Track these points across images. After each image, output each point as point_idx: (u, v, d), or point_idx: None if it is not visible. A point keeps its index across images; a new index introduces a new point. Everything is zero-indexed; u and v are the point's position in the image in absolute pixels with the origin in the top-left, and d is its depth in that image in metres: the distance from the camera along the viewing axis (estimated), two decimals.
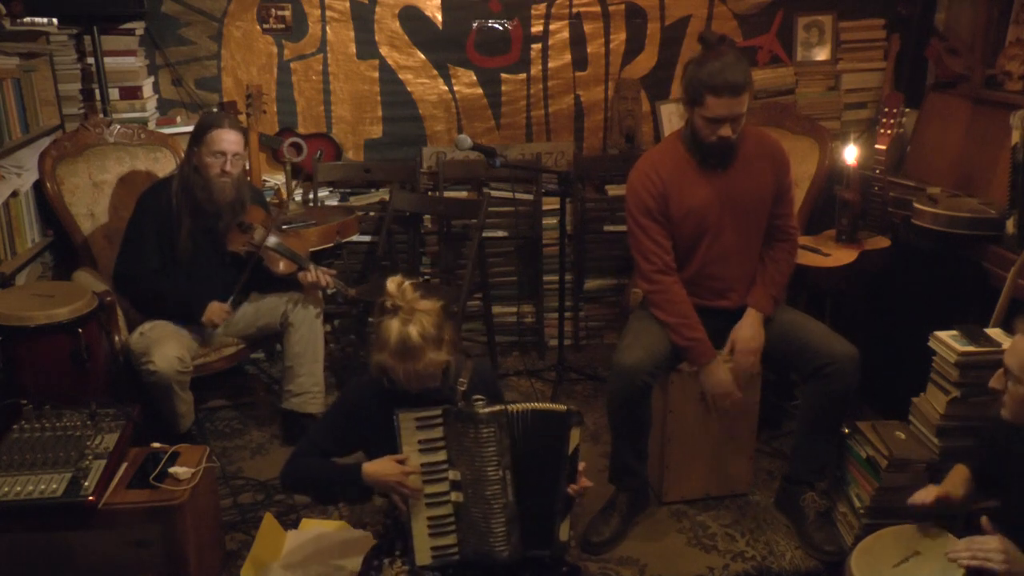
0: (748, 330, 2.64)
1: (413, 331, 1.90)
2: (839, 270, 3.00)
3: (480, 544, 2.00)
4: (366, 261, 3.90)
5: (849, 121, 3.97)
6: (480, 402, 1.99)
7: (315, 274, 3.01)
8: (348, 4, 3.75)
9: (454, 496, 2.00)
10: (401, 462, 1.99)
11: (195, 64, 3.75)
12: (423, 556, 2.00)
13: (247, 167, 3.52)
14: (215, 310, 2.93)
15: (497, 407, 1.98)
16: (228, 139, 2.90)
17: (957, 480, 2.10)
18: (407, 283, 1.97)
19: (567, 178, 3.40)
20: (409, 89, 3.88)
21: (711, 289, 2.68)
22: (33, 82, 3.22)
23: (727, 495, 2.83)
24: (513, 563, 2.02)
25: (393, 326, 1.92)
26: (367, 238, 3.85)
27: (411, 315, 1.92)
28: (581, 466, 2.06)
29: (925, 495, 2.06)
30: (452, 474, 1.99)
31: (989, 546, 1.80)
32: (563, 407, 2.03)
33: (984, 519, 1.90)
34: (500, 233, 3.93)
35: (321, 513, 2.69)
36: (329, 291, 3.11)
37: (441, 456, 1.99)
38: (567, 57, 3.92)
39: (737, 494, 2.84)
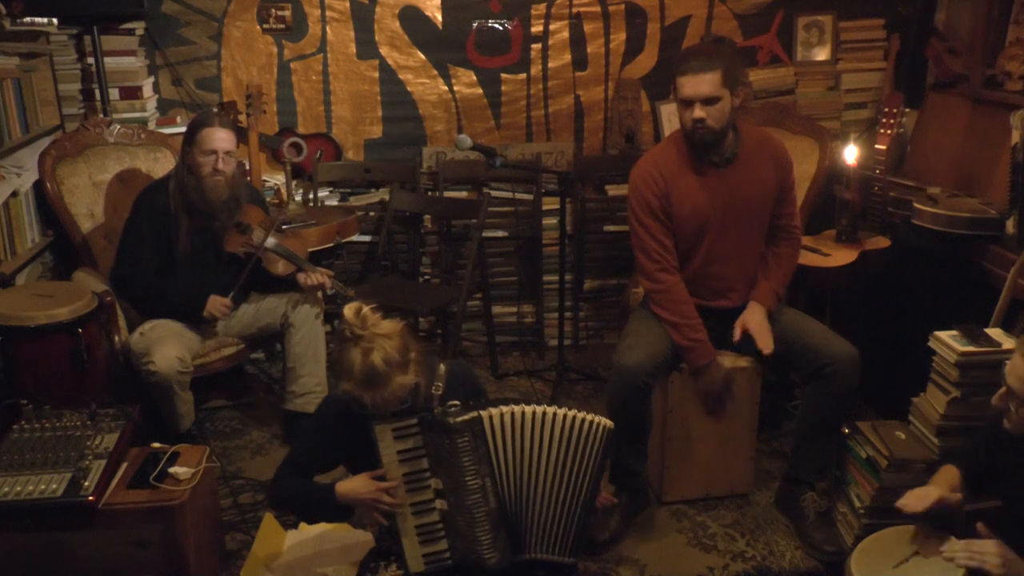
0: (755, 315, 2.64)
1: (377, 358, 1.83)
2: (839, 270, 3.00)
3: (468, 551, 1.98)
4: (366, 261, 3.90)
5: (849, 121, 3.97)
6: (455, 408, 1.94)
7: (313, 275, 3.01)
8: (348, 4, 3.75)
9: (439, 504, 1.98)
10: (379, 478, 1.96)
11: (195, 64, 3.75)
12: (415, 564, 1.99)
13: (247, 168, 3.52)
14: (215, 303, 2.94)
15: (470, 415, 1.93)
16: (219, 137, 2.90)
17: (948, 482, 2.09)
18: (365, 309, 1.89)
19: (567, 178, 3.40)
20: (409, 89, 3.88)
21: (712, 288, 2.69)
22: (33, 82, 3.22)
23: (727, 495, 2.83)
24: (504, 568, 1.99)
25: (355, 356, 1.84)
26: (367, 238, 3.85)
27: (372, 342, 1.84)
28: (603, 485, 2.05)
29: (916, 503, 2.01)
30: (434, 482, 1.97)
31: (986, 549, 1.80)
32: (552, 409, 1.98)
33: (980, 525, 1.90)
34: (500, 233, 3.93)
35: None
36: (329, 292, 3.11)
37: (423, 464, 1.97)
38: (567, 57, 3.92)
39: (737, 494, 2.84)
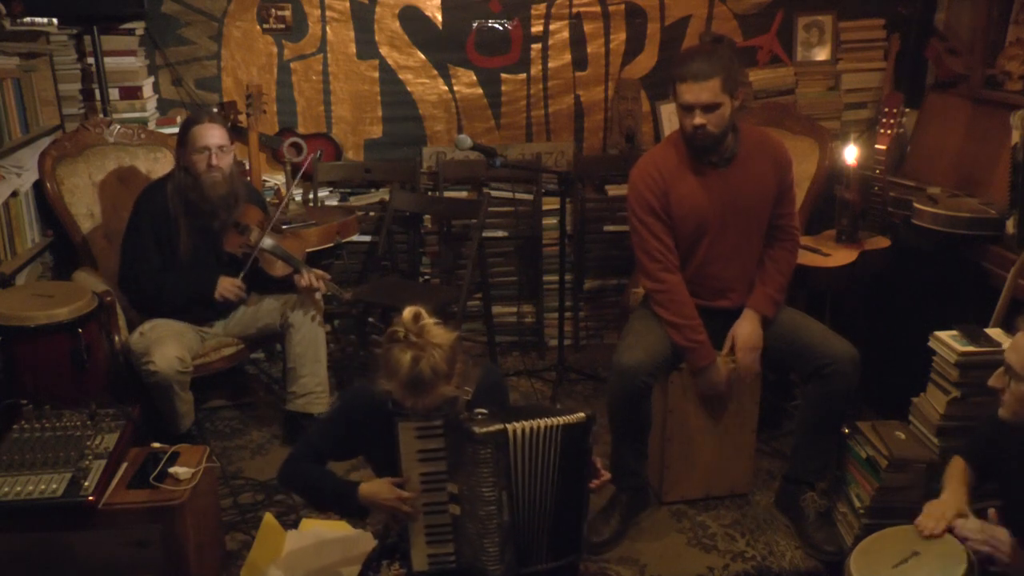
0: (747, 328, 2.64)
1: (425, 367, 1.83)
2: (839, 270, 3.00)
3: (474, 559, 1.97)
4: (366, 261, 3.90)
5: (849, 121, 3.97)
6: (482, 417, 1.92)
7: (309, 277, 3.01)
8: (348, 4, 3.75)
9: (452, 508, 1.96)
10: (399, 485, 1.95)
11: (195, 64, 3.75)
12: (420, 562, 1.98)
13: (247, 168, 3.52)
14: (227, 285, 2.94)
15: (496, 426, 1.89)
16: (210, 133, 2.90)
17: (958, 478, 2.09)
18: (426, 318, 1.89)
19: (567, 178, 3.40)
20: (409, 89, 3.88)
21: (711, 289, 2.69)
22: (33, 82, 3.22)
23: (727, 495, 2.83)
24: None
25: (404, 359, 1.84)
26: (367, 238, 3.85)
27: (423, 350, 1.84)
28: (599, 462, 2.03)
29: (935, 525, 1.97)
30: (451, 487, 1.95)
31: (1000, 536, 1.80)
32: (568, 419, 1.95)
33: (992, 511, 1.90)
34: (500, 233, 3.93)
35: (321, 513, 2.69)
36: (325, 294, 3.11)
37: (441, 466, 1.95)
38: (567, 57, 3.92)
39: (737, 494, 2.84)
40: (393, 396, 1.90)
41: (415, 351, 1.84)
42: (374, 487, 1.98)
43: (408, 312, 1.89)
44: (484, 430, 1.88)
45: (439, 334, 1.88)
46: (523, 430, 1.91)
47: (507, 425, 1.90)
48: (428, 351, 1.84)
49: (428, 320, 1.89)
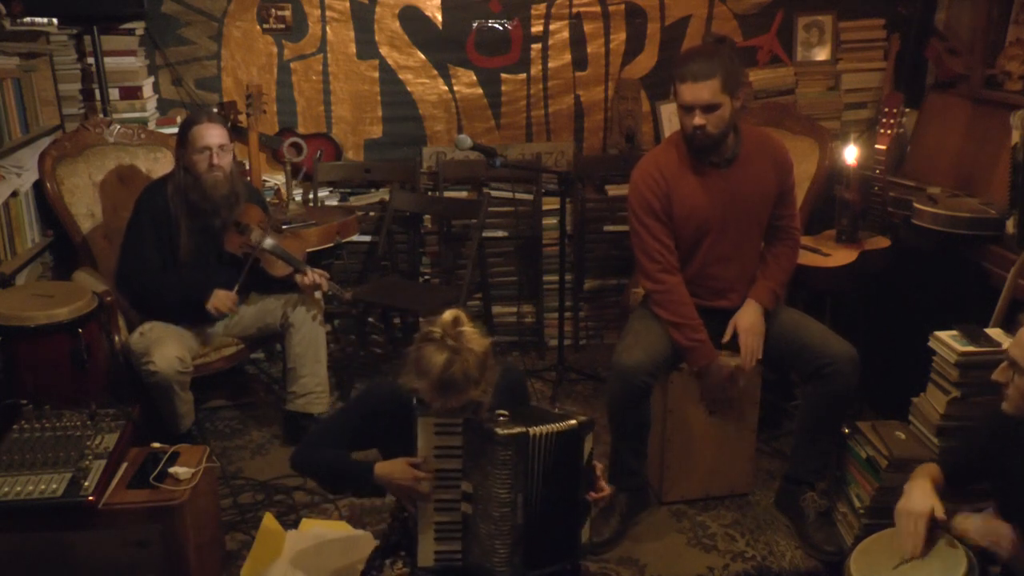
0: (748, 316, 2.64)
1: (458, 370, 1.83)
2: (839, 270, 3.00)
3: (482, 559, 1.96)
4: (366, 261, 3.90)
5: (849, 121, 3.97)
6: (503, 418, 1.91)
7: (310, 276, 3.01)
8: (348, 4, 3.75)
9: (464, 507, 1.95)
10: (415, 465, 1.95)
11: (195, 64, 3.75)
12: (426, 558, 1.98)
13: (247, 168, 3.52)
14: (220, 297, 2.92)
15: (518, 430, 1.88)
16: (210, 133, 2.90)
17: (923, 475, 2.04)
18: (465, 323, 1.89)
19: (567, 178, 3.40)
20: (409, 89, 3.88)
21: (711, 289, 2.69)
22: (33, 82, 3.22)
23: (727, 495, 2.83)
24: None
25: (438, 360, 1.83)
26: (367, 238, 3.85)
27: (458, 354, 1.84)
28: (599, 469, 2.03)
29: (913, 545, 1.93)
30: (465, 485, 1.94)
31: (1002, 531, 1.80)
32: (576, 421, 1.95)
33: (990, 510, 1.90)
34: (500, 233, 3.93)
35: (321, 513, 2.69)
36: (326, 293, 3.11)
37: (456, 464, 1.94)
38: (567, 57, 3.92)
39: (737, 494, 2.84)
40: (419, 395, 1.90)
41: (450, 354, 1.84)
42: (389, 466, 1.98)
43: (448, 314, 1.90)
44: (506, 432, 1.87)
45: (476, 340, 1.88)
46: (543, 433, 1.90)
47: (529, 428, 1.89)
48: (463, 355, 1.84)
49: (467, 325, 1.89)
